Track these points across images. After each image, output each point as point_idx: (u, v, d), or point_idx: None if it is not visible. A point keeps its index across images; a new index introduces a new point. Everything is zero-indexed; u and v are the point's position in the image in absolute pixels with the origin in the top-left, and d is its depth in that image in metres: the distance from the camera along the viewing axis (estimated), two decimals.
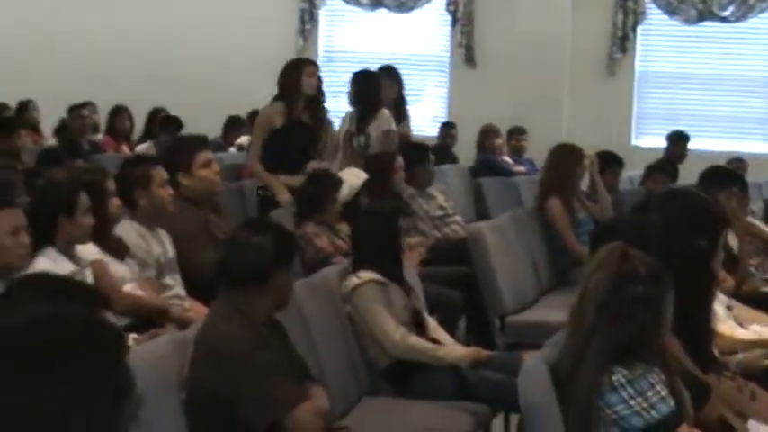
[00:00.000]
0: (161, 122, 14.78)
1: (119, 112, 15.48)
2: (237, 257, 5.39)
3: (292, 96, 10.00)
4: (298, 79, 10.04)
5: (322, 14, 18.00)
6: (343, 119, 11.14)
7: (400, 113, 11.60)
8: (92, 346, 2.40)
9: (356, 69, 11.40)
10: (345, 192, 9.15)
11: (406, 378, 6.86)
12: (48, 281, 3.38)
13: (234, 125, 15.67)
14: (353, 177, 9.52)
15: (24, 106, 15.51)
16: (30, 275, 4.21)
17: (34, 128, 15.26)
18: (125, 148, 14.84)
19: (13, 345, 2.33)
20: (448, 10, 17.40)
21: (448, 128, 15.89)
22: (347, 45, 18.29)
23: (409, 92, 12.54)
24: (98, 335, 2.46)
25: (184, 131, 14.09)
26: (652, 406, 4.40)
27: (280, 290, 5.32)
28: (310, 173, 9.33)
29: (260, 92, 11.03)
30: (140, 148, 13.72)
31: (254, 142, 10.32)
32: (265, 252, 5.29)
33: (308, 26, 17.85)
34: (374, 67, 11.73)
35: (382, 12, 17.72)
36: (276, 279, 5.31)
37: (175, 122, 14.51)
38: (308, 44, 17.74)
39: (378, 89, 11.11)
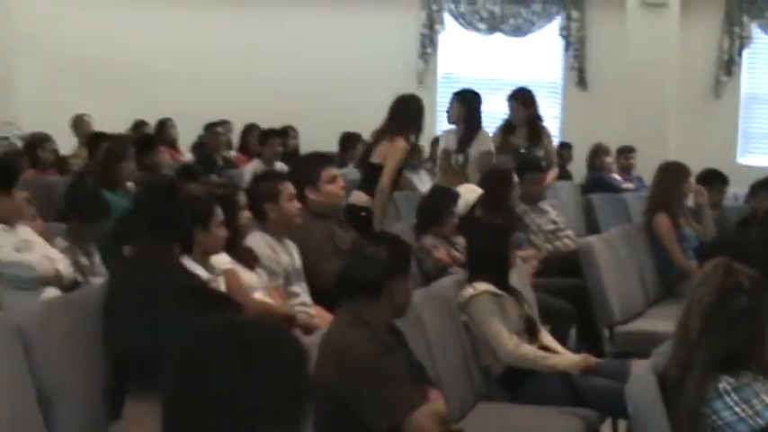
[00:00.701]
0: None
1: (250, 130, 15.55)
2: (354, 268, 5.39)
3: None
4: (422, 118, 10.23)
5: (442, 39, 17.99)
6: (441, 137, 11.12)
7: (534, 134, 11.53)
8: (285, 351, 2.50)
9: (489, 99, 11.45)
10: (461, 206, 9.10)
11: (520, 384, 6.82)
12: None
13: (351, 141, 15.62)
14: (469, 192, 9.47)
15: (163, 124, 15.72)
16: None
17: (172, 145, 15.45)
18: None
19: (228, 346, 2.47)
20: (561, 35, 17.42)
21: (562, 148, 15.77)
22: (465, 68, 18.25)
23: None
24: (289, 342, 2.56)
25: (308, 148, 14.14)
26: (757, 413, 4.32)
27: (396, 298, 5.29)
28: (431, 188, 9.34)
29: (382, 110, 11.06)
30: (249, 166, 13.70)
31: (392, 165, 10.24)
32: (380, 263, 5.28)
33: (428, 50, 17.92)
34: (492, 88, 11.72)
35: (498, 36, 17.74)
36: (391, 288, 5.28)
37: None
38: (428, 67, 17.81)
39: (480, 109, 11.06)
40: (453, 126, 11.09)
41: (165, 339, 2.37)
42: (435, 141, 15.32)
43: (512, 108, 11.51)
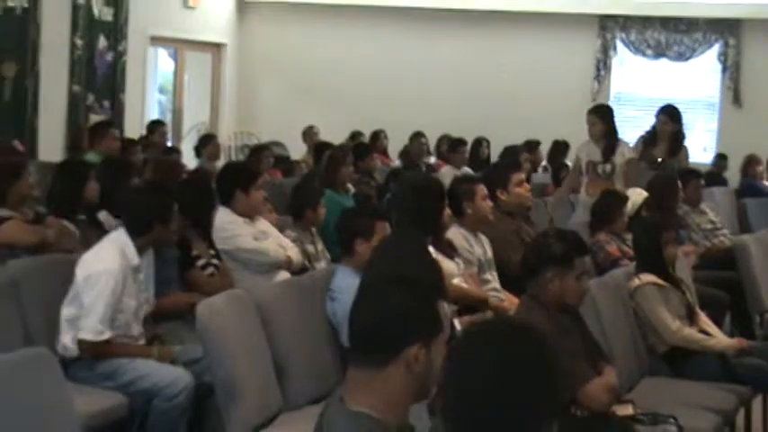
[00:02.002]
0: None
1: (443, 140, 15.56)
2: (530, 257, 5.32)
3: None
4: None
5: (614, 63, 17.85)
6: (579, 149, 10.94)
7: (675, 148, 11.30)
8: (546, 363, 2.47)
9: (642, 109, 11.28)
10: (629, 207, 9.08)
11: (681, 362, 6.72)
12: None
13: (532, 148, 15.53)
14: (636, 195, 9.44)
15: (377, 135, 15.92)
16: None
17: (384, 152, 15.58)
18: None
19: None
20: (719, 60, 17.20)
21: (720, 158, 15.84)
22: (633, 88, 18.11)
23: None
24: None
25: (495, 156, 14.15)
26: None
27: (566, 285, 5.20)
28: (603, 192, 9.31)
29: (559, 124, 11.05)
30: (442, 170, 13.66)
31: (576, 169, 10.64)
32: (551, 254, 5.18)
33: (602, 72, 17.79)
34: (657, 106, 11.55)
35: (663, 61, 17.54)
36: (561, 276, 5.16)
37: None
38: (601, 87, 17.64)
39: (615, 121, 10.91)
40: (586, 139, 10.92)
41: (403, 316, 2.47)
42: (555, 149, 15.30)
43: (659, 121, 11.27)
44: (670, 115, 11.27)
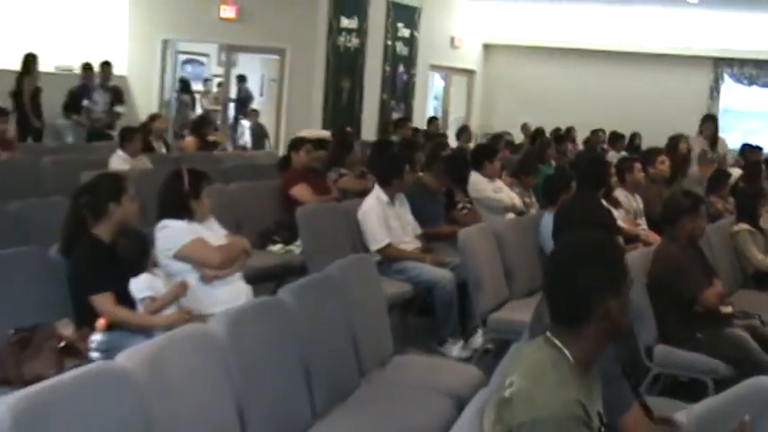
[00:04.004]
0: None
1: (612, 135, 14.41)
2: (667, 209, 5.01)
3: None
4: None
5: (723, 88, 17.18)
6: (693, 141, 10.50)
7: None
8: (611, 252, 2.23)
9: (745, 123, 11.03)
10: (731, 180, 8.49)
11: (765, 281, 6.34)
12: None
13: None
14: (735, 173, 8.97)
15: (570, 129, 14.53)
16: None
17: (573, 141, 14.11)
18: None
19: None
20: None
21: None
22: (739, 103, 17.29)
23: None
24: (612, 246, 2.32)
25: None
26: None
27: (695, 225, 4.80)
28: (714, 170, 8.95)
29: (685, 128, 10.91)
30: (611, 153, 12.66)
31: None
32: (683, 206, 4.82)
33: (714, 94, 17.08)
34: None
35: (754, 87, 16.89)
36: (692, 219, 4.79)
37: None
38: (713, 102, 16.90)
39: None
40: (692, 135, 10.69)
41: (588, 291, 2.14)
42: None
43: None
44: None
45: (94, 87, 11.49)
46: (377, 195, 6.09)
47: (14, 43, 11.44)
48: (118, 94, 11.71)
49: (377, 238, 5.94)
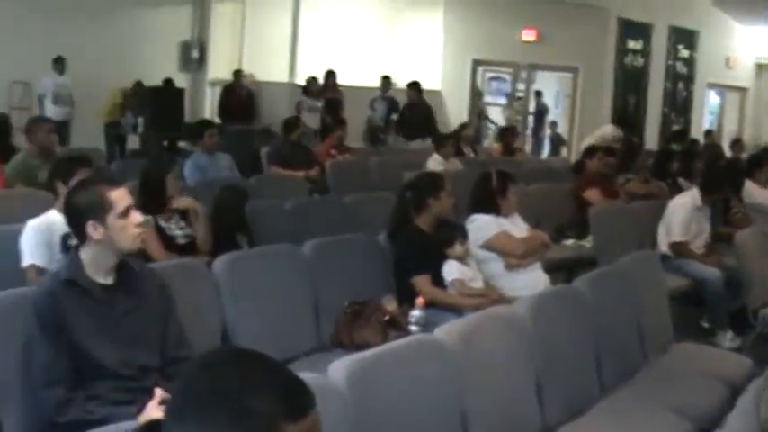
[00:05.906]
0: None
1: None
2: None
3: None
4: None
5: None
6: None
7: None
8: None
9: None
10: None
11: None
12: None
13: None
14: None
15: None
16: None
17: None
18: None
19: None
20: None
21: None
22: None
23: None
24: None
25: None
26: None
27: None
28: None
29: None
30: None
31: None
32: None
33: None
34: None
35: None
36: None
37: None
38: None
39: None
40: None
41: None
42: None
43: None
44: None
45: (376, 98, 11.06)
46: (693, 196, 5.64)
47: (369, 65, 12.09)
48: (394, 105, 10.81)
49: (676, 232, 5.51)
